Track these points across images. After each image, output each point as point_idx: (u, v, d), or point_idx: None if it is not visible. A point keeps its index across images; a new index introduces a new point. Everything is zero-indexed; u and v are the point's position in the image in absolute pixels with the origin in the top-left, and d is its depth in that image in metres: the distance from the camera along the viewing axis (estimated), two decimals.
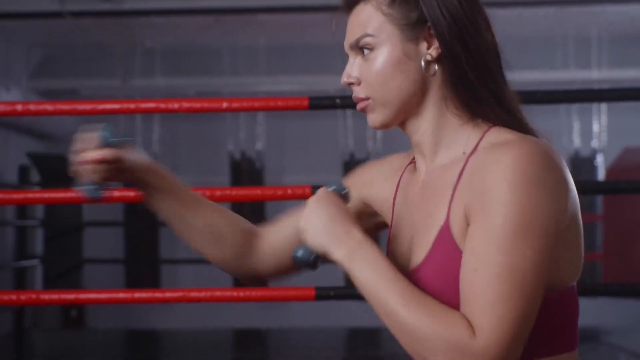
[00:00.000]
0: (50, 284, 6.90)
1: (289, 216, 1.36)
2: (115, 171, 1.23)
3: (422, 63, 1.15)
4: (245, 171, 7.84)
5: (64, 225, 7.18)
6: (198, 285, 7.87)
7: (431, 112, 1.17)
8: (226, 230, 1.33)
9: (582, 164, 7.33)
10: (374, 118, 1.18)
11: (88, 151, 1.20)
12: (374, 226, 1.35)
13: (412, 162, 1.26)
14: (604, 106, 7.55)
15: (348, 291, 2.45)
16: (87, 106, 2.77)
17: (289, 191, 2.60)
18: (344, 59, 1.22)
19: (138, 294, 2.62)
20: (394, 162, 1.30)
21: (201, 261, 7.03)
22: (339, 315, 7.70)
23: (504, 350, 0.99)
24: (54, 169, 7.12)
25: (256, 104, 2.67)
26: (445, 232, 1.10)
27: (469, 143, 1.14)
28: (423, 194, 1.18)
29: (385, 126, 1.19)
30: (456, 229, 1.08)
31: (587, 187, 3.64)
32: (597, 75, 7.37)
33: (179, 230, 1.33)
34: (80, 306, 7.43)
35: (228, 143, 7.97)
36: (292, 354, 6.16)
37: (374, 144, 7.73)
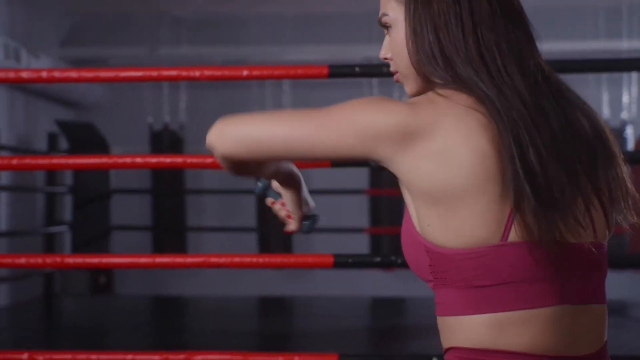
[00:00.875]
0: (78, 250, 7.00)
1: None
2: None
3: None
4: None
5: (92, 192, 7.27)
6: (223, 252, 7.96)
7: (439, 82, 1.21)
8: None
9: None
10: (406, 88, 1.26)
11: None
12: None
13: None
14: (634, 77, 7.46)
15: (365, 259, 2.48)
16: (110, 73, 2.80)
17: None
18: (369, 29, 1.30)
19: (159, 259, 2.66)
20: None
21: (227, 229, 7.11)
22: (363, 285, 7.75)
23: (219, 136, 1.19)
24: (82, 137, 7.20)
25: (276, 72, 2.68)
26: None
27: None
28: None
29: (415, 95, 1.24)
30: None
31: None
32: (627, 45, 7.28)
33: None
34: (108, 273, 7.54)
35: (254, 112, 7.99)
36: (315, 322, 6.21)
37: None
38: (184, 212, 7.90)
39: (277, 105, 8.00)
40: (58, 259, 2.75)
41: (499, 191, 1.08)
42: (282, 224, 1.44)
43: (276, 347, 4.95)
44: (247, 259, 2.62)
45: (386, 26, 1.25)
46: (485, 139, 1.09)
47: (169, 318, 6.73)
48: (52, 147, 6.82)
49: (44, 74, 2.77)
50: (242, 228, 7.80)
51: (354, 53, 7.26)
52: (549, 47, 7.33)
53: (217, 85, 8.06)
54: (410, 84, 1.24)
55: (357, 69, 2.50)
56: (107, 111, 8.35)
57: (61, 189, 6.86)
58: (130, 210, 8.00)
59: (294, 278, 7.99)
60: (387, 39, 1.27)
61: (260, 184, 1.40)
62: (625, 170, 1.17)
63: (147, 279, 7.95)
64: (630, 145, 7.17)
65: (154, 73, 2.73)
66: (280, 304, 7.37)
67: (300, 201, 1.36)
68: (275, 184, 1.37)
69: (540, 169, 1.08)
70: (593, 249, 1.13)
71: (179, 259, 2.65)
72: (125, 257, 2.75)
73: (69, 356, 2.63)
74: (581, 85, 7.52)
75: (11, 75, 2.83)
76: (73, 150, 6.90)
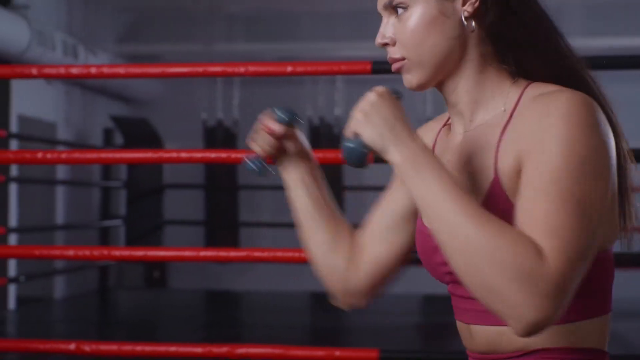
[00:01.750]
0: (132, 243, 7.12)
1: (376, 218, 1.31)
2: (282, 148, 1.28)
3: (463, 19, 1.11)
4: (323, 136, 7.89)
5: (146, 187, 7.38)
6: (276, 248, 8.01)
7: (469, 71, 1.14)
8: (344, 236, 1.31)
9: None
10: (410, 79, 1.15)
11: (266, 124, 1.25)
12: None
13: (446, 124, 1.23)
14: None
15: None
16: (157, 69, 2.85)
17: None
18: None
19: (203, 252, 2.70)
20: (430, 129, 1.26)
21: (279, 224, 7.17)
22: (415, 282, 7.71)
23: (571, 273, 0.95)
24: (136, 132, 7.32)
25: (319, 68, 2.69)
26: (496, 187, 1.08)
27: (510, 99, 1.11)
28: (463, 155, 1.16)
29: (421, 87, 1.15)
30: (506, 181, 1.06)
31: None
32: None
33: (303, 225, 1.32)
34: (162, 267, 7.65)
35: (307, 109, 8.02)
36: (367, 318, 6.21)
37: None
38: (236, 208, 7.97)
39: (330, 101, 8.00)
40: (107, 252, 2.81)
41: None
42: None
43: (324, 342, 4.96)
44: (289, 254, 2.63)
45: (399, 7, 1.14)
46: None
47: (220, 312, 6.80)
48: (107, 142, 6.95)
49: (93, 70, 2.83)
50: (294, 224, 7.83)
51: None
52: (607, 42, 7.19)
53: (270, 82, 8.11)
54: (422, 75, 1.14)
55: None
56: (162, 107, 8.47)
57: (116, 184, 6.99)
58: (183, 205, 8.10)
59: None
60: (393, 21, 1.15)
61: (251, 164, 1.28)
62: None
63: (200, 273, 8.04)
64: None
65: (200, 69, 2.76)
66: (329, 302, 7.37)
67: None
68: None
69: (625, 172, 1.11)
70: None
71: (222, 253, 2.68)
72: (171, 250, 2.79)
73: (114, 347, 2.68)
74: (637, 80, 7.33)
75: (61, 71, 2.89)
76: (127, 145, 7.02)
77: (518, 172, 1.05)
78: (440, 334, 5.60)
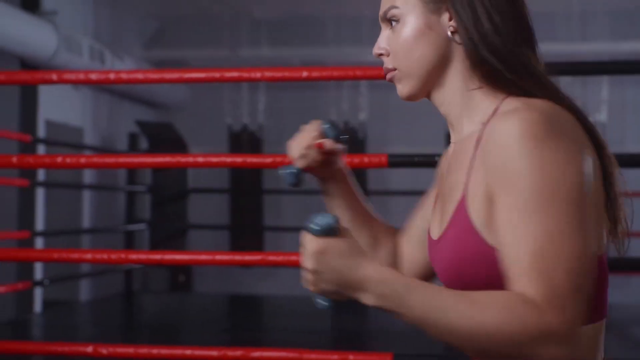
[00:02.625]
0: (156, 247, 7.17)
1: (415, 221, 1.36)
2: (322, 163, 1.33)
3: (449, 33, 1.15)
4: (347, 141, 7.89)
5: (170, 191, 7.43)
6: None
7: (455, 83, 1.17)
8: (385, 239, 1.37)
9: None
10: (401, 89, 1.20)
11: (309, 136, 1.31)
12: None
13: None
14: None
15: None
16: (175, 75, 2.87)
17: (366, 160, 2.64)
18: None
19: (219, 256, 2.72)
20: None
21: (304, 229, 7.20)
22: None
23: (571, 309, 0.96)
24: (161, 137, 7.37)
25: (335, 73, 2.70)
26: (461, 206, 1.09)
27: (487, 113, 1.13)
28: (450, 167, 1.19)
29: (412, 97, 1.20)
30: (472, 203, 1.07)
31: None
32: None
33: None
34: (187, 271, 7.70)
35: (331, 113, 8.04)
36: (389, 322, 6.20)
37: None
38: (261, 212, 8.00)
39: (355, 106, 8.01)
40: (124, 255, 2.83)
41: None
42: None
43: (344, 346, 4.96)
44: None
45: (392, 20, 1.19)
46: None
47: (243, 316, 6.83)
48: (132, 146, 7.01)
49: (112, 76, 2.87)
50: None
51: None
52: (633, 47, 7.12)
53: (295, 86, 8.14)
54: (411, 85, 1.18)
55: None
56: (187, 112, 8.53)
57: (140, 188, 7.04)
58: (208, 209, 8.15)
59: None
60: (387, 33, 1.20)
61: (289, 174, 1.31)
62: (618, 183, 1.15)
63: (225, 277, 8.08)
64: None
65: (217, 74, 2.78)
66: (354, 305, 7.37)
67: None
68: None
69: (612, 177, 1.11)
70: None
71: (237, 256, 2.70)
72: (187, 253, 2.82)
73: (131, 350, 2.71)
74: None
75: (81, 76, 2.93)
76: (152, 150, 7.07)
77: (487, 199, 1.05)
78: None
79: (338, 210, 1.35)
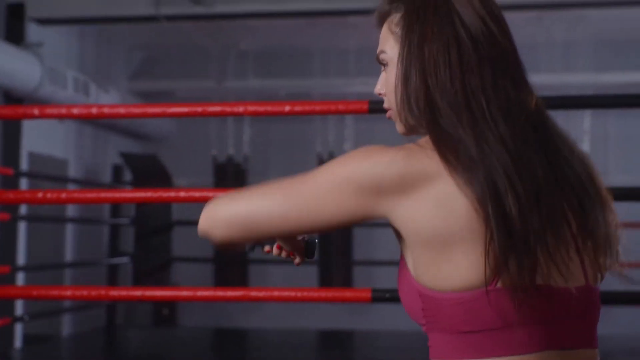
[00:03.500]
0: (139, 281, 7.11)
1: None
2: None
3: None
4: None
5: (154, 223, 7.38)
6: (285, 284, 7.97)
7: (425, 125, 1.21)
8: None
9: None
10: (396, 126, 1.25)
11: None
12: None
13: None
14: None
15: None
16: (157, 109, 2.86)
17: None
18: None
19: (200, 292, 2.68)
20: None
21: (289, 262, 7.15)
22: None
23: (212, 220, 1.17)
24: (145, 168, 7.34)
25: (317, 108, 2.69)
26: None
27: None
28: None
29: (406, 134, 1.24)
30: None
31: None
32: None
33: None
34: (171, 305, 7.62)
35: (317, 144, 8.03)
36: (376, 355, 6.16)
37: None
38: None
39: (340, 136, 8.02)
40: (104, 292, 2.79)
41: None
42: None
43: None
44: (286, 293, 2.61)
45: (383, 63, 1.24)
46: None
47: (229, 350, 6.76)
48: (116, 178, 6.96)
49: (94, 110, 2.84)
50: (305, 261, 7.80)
51: None
52: (616, 78, 7.18)
53: (281, 118, 8.14)
54: (401, 123, 1.23)
55: None
56: (172, 143, 8.51)
57: (124, 221, 6.99)
58: (192, 241, 8.08)
59: (357, 311, 7.94)
60: (383, 74, 1.25)
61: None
62: (615, 216, 1.15)
63: (210, 310, 8.00)
64: None
65: (199, 109, 2.77)
66: (341, 337, 7.32)
67: (292, 237, 1.34)
68: None
69: (518, 214, 1.06)
70: (582, 293, 1.11)
71: (220, 292, 2.66)
72: (169, 289, 2.78)
73: None
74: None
75: (63, 111, 2.91)
76: (136, 182, 7.03)
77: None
78: None
79: None
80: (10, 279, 5.63)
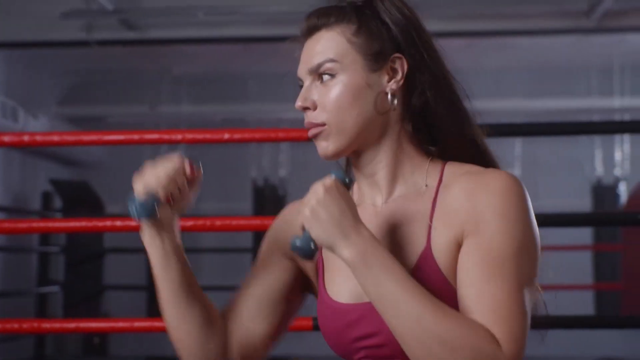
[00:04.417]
0: (70, 310, 6.94)
1: (245, 288, 1.31)
2: (179, 191, 1.23)
3: (388, 94, 1.14)
4: (268, 198, 7.87)
5: (85, 251, 7.24)
6: None
7: (389, 145, 1.17)
8: (218, 322, 1.27)
9: (604, 192, 7.25)
10: (326, 146, 1.17)
11: (174, 166, 1.22)
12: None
13: None
14: (626, 134, 7.49)
15: None
16: (92, 137, 2.81)
17: None
18: None
19: (137, 324, 2.63)
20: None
21: (224, 288, 7.05)
22: None
23: (521, 355, 1.01)
24: (76, 195, 7.20)
25: (257, 135, 2.69)
26: (427, 257, 1.09)
27: (431, 176, 1.15)
28: (385, 225, 1.16)
29: (336, 155, 1.18)
30: (439, 252, 1.09)
31: (606, 219, 3.60)
32: (619, 103, 7.32)
33: (181, 300, 1.25)
34: (102, 334, 7.46)
35: (251, 170, 8.01)
36: None
37: None
38: None
39: (275, 162, 8.01)
40: (17, 325, 2.70)
41: None
42: None
43: None
44: None
45: (326, 73, 1.16)
46: None
47: None
48: (46, 206, 6.81)
49: (26, 138, 2.78)
50: (239, 287, 7.73)
51: None
52: (545, 104, 7.38)
53: (215, 144, 8.08)
54: (340, 143, 1.16)
55: None
56: (104, 169, 8.37)
57: (54, 249, 6.83)
58: (124, 269, 7.95)
59: (298, 337, 7.89)
60: (316, 85, 1.17)
61: (141, 202, 1.19)
62: None
63: (142, 339, 7.85)
64: (623, 201, 7.16)
65: (136, 136, 2.73)
66: None
67: None
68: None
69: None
70: None
71: (157, 323, 2.61)
72: (94, 321, 2.72)
73: None
74: (574, 141, 7.55)
75: None
76: (67, 210, 6.89)
77: (457, 246, 1.07)
78: None
79: (166, 261, 1.24)
80: None
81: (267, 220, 2.91)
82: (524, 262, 1.04)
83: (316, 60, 1.16)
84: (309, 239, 1.09)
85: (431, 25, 1.20)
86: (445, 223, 1.09)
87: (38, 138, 2.79)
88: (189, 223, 2.65)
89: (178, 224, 1.25)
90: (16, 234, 7.09)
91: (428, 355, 0.99)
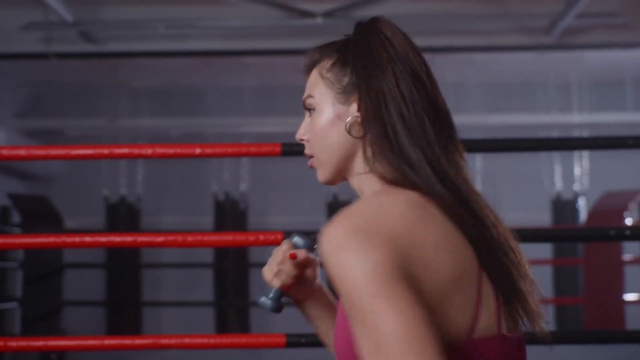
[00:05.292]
0: (28, 326, 6.81)
1: None
2: (299, 280, 1.33)
3: (347, 124, 1.17)
4: (229, 212, 7.83)
5: (44, 267, 7.11)
6: (180, 327, 7.81)
7: (360, 173, 1.20)
8: None
9: (563, 207, 7.35)
10: (318, 174, 1.24)
11: (280, 252, 1.31)
12: None
13: None
14: (585, 150, 7.62)
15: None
16: (61, 151, 2.76)
17: (261, 237, 2.59)
18: None
19: (94, 342, 2.59)
20: None
21: (184, 304, 6.96)
22: None
23: None
24: (35, 210, 7.08)
25: (229, 150, 2.66)
26: None
27: None
28: None
29: (328, 183, 1.24)
30: None
31: (564, 235, 3.65)
32: (578, 119, 7.45)
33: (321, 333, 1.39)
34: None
35: (212, 184, 7.97)
36: None
37: None
38: (139, 287, 7.76)
39: (236, 176, 7.98)
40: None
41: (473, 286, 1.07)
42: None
43: None
44: (198, 340, 2.55)
45: (309, 108, 1.23)
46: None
47: None
48: (4, 221, 6.69)
49: None
50: (199, 302, 7.68)
51: None
52: (505, 120, 7.48)
53: (178, 159, 8.04)
54: (326, 172, 1.22)
55: None
56: (63, 183, 8.26)
57: (12, 265, 6.71)
58: (84, 284, 7.84)
59: (254, 355, 7.85)
60: (307, 120, 1.24)
61: (268, 299, 1.31)
62: (531, 277, 1.16)
63: (101, 353, 7.74)
64: (583, 217, 7.26)
65: (105, 151, 2.69)
66: None
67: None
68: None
69: (497, 263, 1.09)
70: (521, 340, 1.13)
71: (128, 341, 2.57)
72: (66, 339, 2.68)
73: None
74: (534, 157, 7.66)
75: None
76: (25, 224, 6.77)
77: None
78: None
79: (319, 322, 1.37)
80: None
81: (215, 237, 2.87)
82: (387, 309, 0.99)
83: (303, 96, 1.24)
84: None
85: None
86: None
87: (5, 152, 2.74)
88: (159, 239, 2.62)
89: (315, 293, 1.38)
90: None
91: None
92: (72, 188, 8.24)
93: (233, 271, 7.68)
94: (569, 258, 6.89)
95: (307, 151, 1.25)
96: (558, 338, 2.98)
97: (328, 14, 5.77)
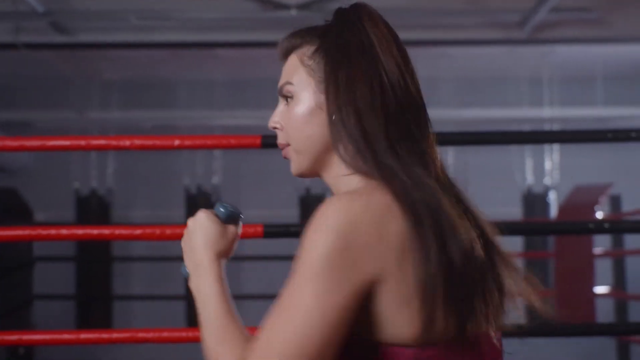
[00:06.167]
0: None
1: None
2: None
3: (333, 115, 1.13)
4: (201, 205, 7.78)
5: (14, 260, 7.03)
6: (151, 321, 7.76)
7: (334, 167, 1.17)
8: None
9: (534, 201, 7.41)
10: (293, 165, 1.19)
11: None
12: None
13: None
14: (556, 144, 7.68)
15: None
16: (37, 142, 2.73)
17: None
18: None
19: (66, 335, 2.56)
20: None
21: (155, 297, 6.93)
22: None
23: None
24: (4, 203, 7.00)
25: (209, 142, 2.65)
26: None
27: None
28: None
29: (301, 174, 1.20)
30: None
31: (537, 229, 3.68)
32: (549, 113, 7.51)
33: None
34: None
35: (184, 177, 7.93)
36: None
37: None
38: (109, 280, 7.70)
39: (208, 169, 7.94)
40: None
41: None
42: None
43: None
44: (177, 334, 2.54)
45: (287, 96, 1.18)
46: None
47: None
48: None
49: None
50: (170, 296, 7.64)
51: None
52: (476, 113, 7.52)
53: (147, 151, 7.97)
54: (302, 162, 1.18)
55: None
56: (32, 176, 8.16)
57: None
58: (54, 278, 7.76)
59: None
60: (282, 107, 1.20)
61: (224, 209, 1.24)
62: (518, 271, 1.15)
63: (70, 348, 7.68)
64: (553, 211, 7.32)
65: (82, 142, 2.66)
66: None
67: None
68: None
69: (460, 263, 1.04)
70: (496, 338, 1.12)
71: (105, 335, 2.55)
72: (35, 334, 2.65)
73: None
74: (505, 151, 7.70)
75: None
76: None
77: None
78: None
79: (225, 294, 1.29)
80: None
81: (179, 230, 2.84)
82: (305, 288, 1.02)
83: (280, 82, 1.19)
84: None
85: None
86: None
87: None
88: (137, 232, 2.59)
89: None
90: None
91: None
92: (41, 181, 8.14)
93: None
94: (539, 251, 6.95)
95: (281, 140, 1.20)
96: (528, 331, 3.00)
97: (302, 6, 5.75)
